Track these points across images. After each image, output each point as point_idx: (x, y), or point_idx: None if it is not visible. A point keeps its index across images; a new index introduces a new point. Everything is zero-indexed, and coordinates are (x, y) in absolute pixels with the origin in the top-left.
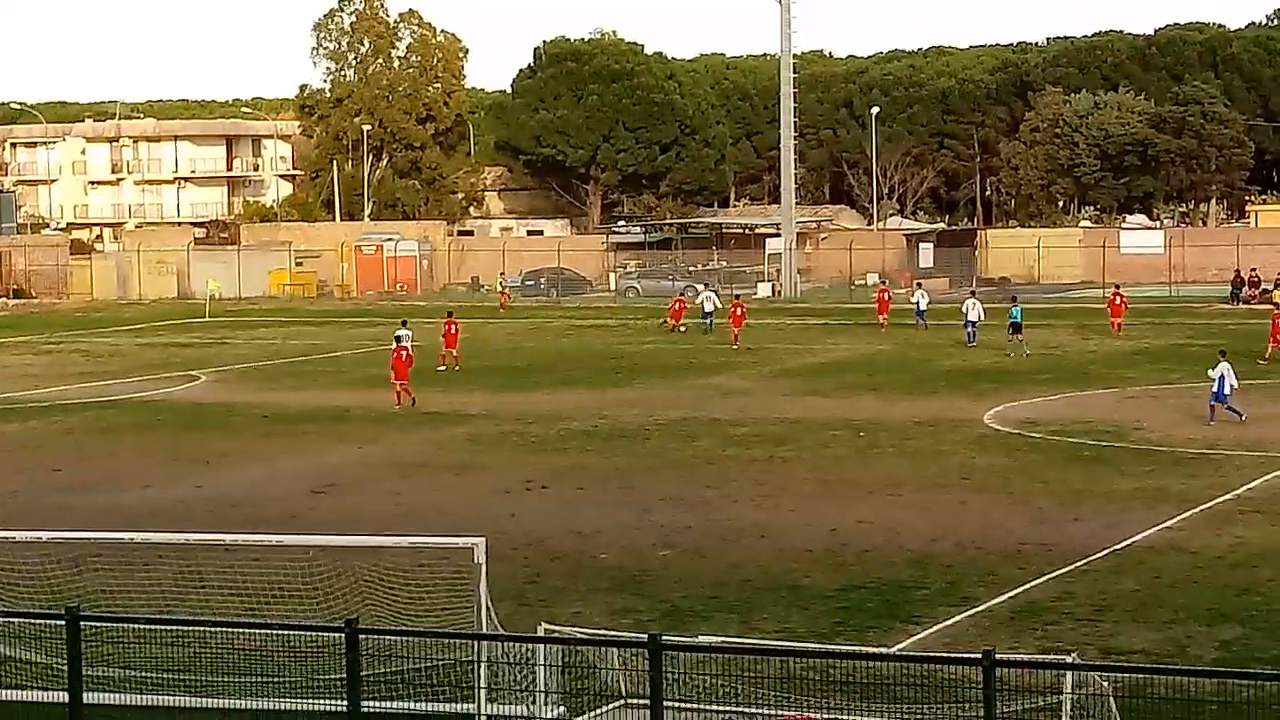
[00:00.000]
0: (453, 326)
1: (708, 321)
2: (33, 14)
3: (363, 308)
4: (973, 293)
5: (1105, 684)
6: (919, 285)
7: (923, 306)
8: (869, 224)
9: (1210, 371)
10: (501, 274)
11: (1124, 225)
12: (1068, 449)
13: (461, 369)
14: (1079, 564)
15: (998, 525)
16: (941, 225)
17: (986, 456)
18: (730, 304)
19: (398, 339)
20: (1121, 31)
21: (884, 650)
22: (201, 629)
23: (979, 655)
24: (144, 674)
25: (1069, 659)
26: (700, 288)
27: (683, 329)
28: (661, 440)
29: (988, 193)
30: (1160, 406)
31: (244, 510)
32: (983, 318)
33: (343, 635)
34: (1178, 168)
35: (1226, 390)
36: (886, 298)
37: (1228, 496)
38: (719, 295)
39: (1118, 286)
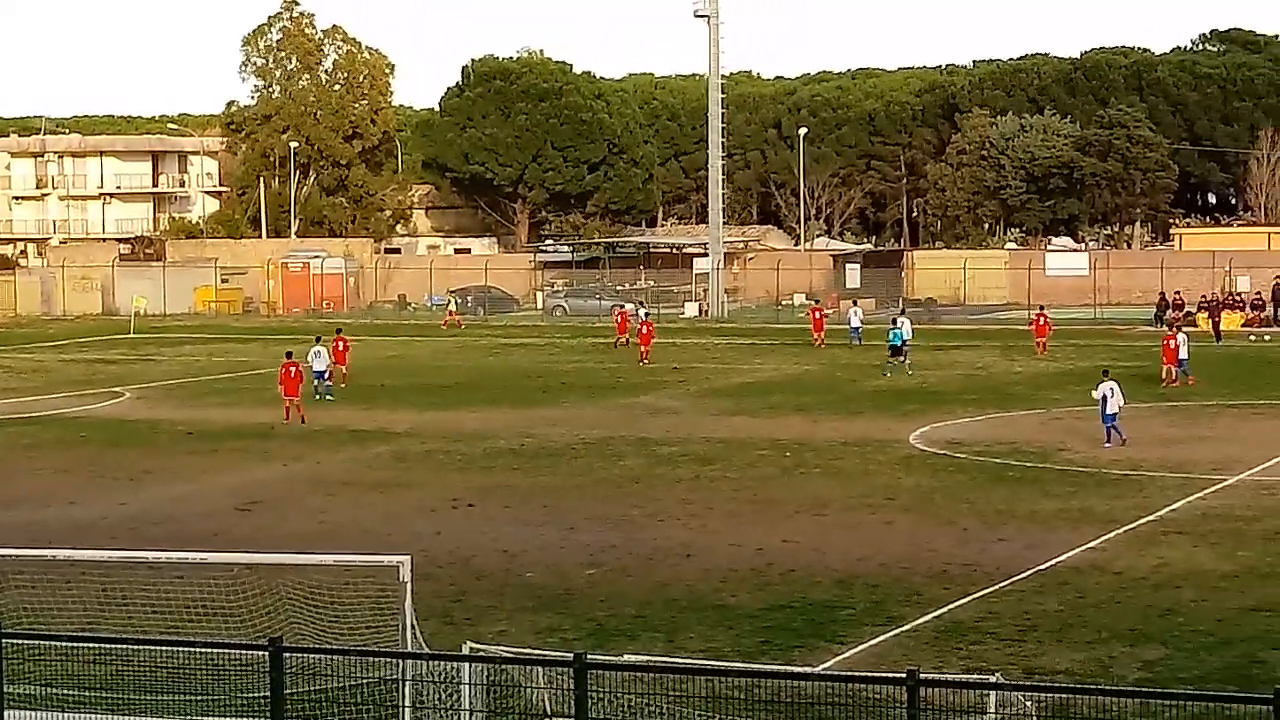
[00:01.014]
0: (340, 343)
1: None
2: None
3: (289, 325)
4: (902, 312)
5: (1029, 704)
6: (855, 304)
7: (856, 324)
8: (796, 244)
9: (1093, 392)
10: (450, 292)
11: (1049, 247)
12: (993, 469)
13: (384, 386)
14: (1003, 584)
15: (923, 545)
16: (868, 246)
17: (912, 477)
18: (641, 322)
19: (288, 355)
20: (1048, 54)
21: (809, 670)
22: (125, 647)
23: (903, 675)
24: (66, 691)
25: (993, 679)
26: (629, 306)
27: (624, 342)
28: (588, 459)
29: (914, 214)
30: (1085, 428)
31: (168, 527)
32: (910, 336)
33: (266, 653)
34: (1103, 190)
35: (1111, 410)
36: (819, 316)
37: (1151, 517)
38: (646, 310)
39: (1042, 308)
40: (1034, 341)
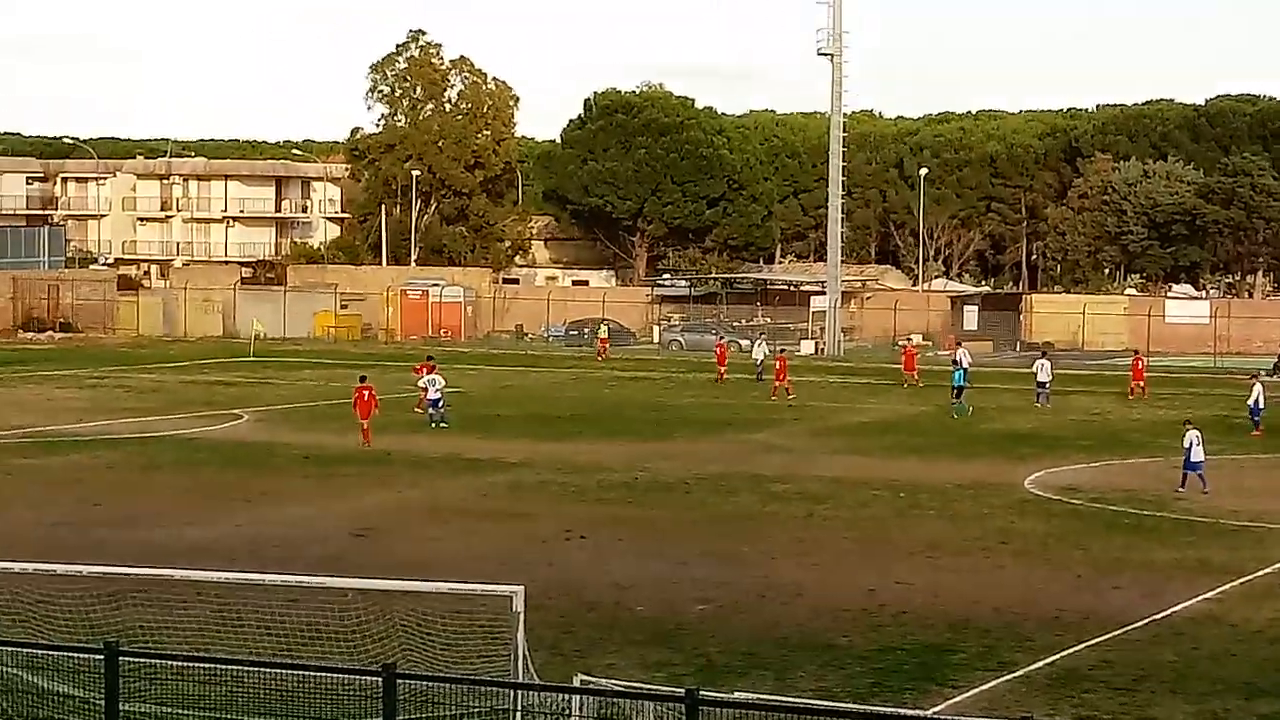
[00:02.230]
0: (365, 393)
1: (758, 370)
2: (86, 50)
3: (406, 352)
4: (1044, 354)
5: None
6: (959, 345)
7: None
8: (914, 285)
9: (1183, 442)
10: (603, 321)
11: (1169, 294)
12: (1108, 517)
13: (500, 416)
14: (1117, 633)
15: (1036, 591)
16: (986, 288)
17: (1026, 521)
18: (775, 357)
19: (361, 379)
20: (1172, 100)
21: (922, 713)
22: (238, 668)
23: None
24: (180, 711)
25: None
26: (753, 341)
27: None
28: (701, 494)
29: (1033, 257)
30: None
31: (283, 550)
32: (1052, 379)
33: (380, 679)
34: (1225, 238)
35: (1196, 458)
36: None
37: (1269, 570)
38: (770, 345)
39: (1137, 352)
40: (1130, 385)
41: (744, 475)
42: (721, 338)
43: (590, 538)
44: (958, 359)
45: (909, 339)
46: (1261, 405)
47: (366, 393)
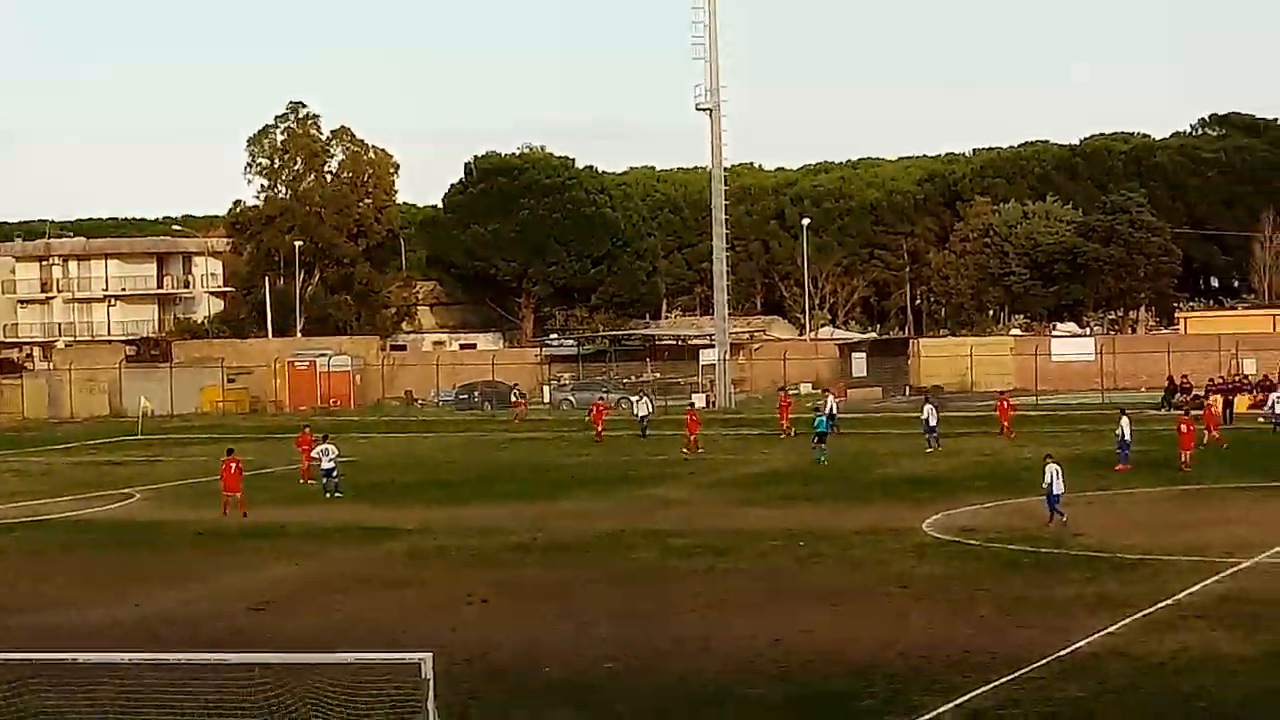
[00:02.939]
0: (232, 466)
1: (642, 426)
2: None
3: (296, 423)
4: (927, 398)
5: None
6: (826, 393)
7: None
8: (801, 334)
9: (1044, 482)
10: (515, 385)
11: (1054, 333)
12: (1007, 556)
13: (394, 482)
14: (1023, 671)
15: (941, 633)
16: (873, 335)
17: (926, 565)
18: (685, 412)
19: (229, 451)
20: (1048, 142)
21: None
22: None
23: None
24: None
25: None
26: (634, 398)
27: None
28: (601, 553)
29: (918, 302)
30: (1097, 512)
31: (182, 629)
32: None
33: None
34: (1106, 275)
35: (1057, 491)
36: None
37: (1168, 602)
38: (652, 400)
39: (1002, 393)
40: (1000, 425)
41: (643, 531)
42: (600, 397)
43: (491, 601)
44: (820, 406)
45: (783, 388)
46: (1128, 439)
47: (234, 465)
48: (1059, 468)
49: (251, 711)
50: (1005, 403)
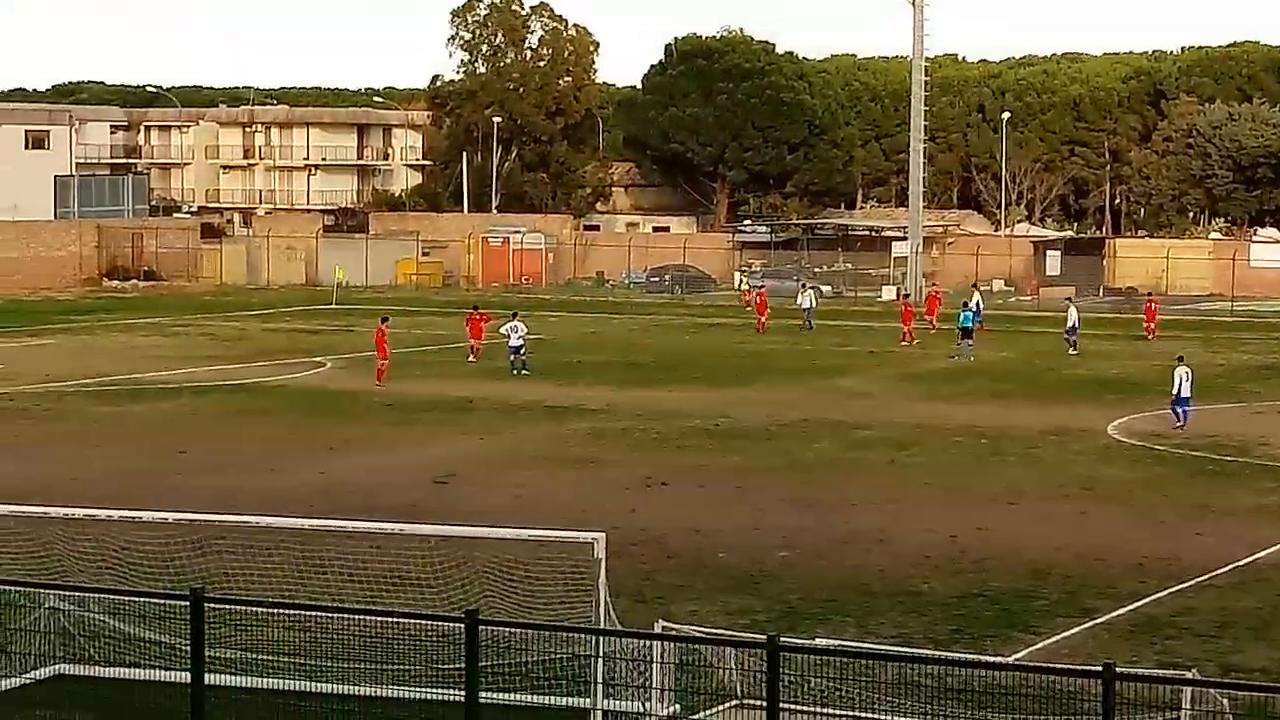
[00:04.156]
0: (480, 319)
1: (807, 318)
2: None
3: (488, 299)
4: (1069, 301)
5: (1224, 701)
6: (804, 285)
7: (806, 305)
8: (996, 230)
9: (1173, 387)
10: (743, 268)
11: (1254, 238)
12: (1192, 463)
13: (581, 363)
14: (1201, 579)
15: (1120, 538)
16: (1070, 233)
17: (1110, 468)
18: (901, 303)
19: (384, 319)
20: (1258, 42)
21: (1003, 659)
22: (321, 614)
23: (1099, 668)
24: (265, 657)
25: (1189, 675)
26: (798, 284)
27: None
28: (782, 441)
29: (1117, 202)
30: None
31: (365, 498)
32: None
33: (462, 625)
34: None
35: (1186, 394)
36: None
37: None
38: (818, 292)
39: (1150, 293)
40: (1144, 327)
41: (826, 422)
42: (761, 286)
43: (672, 485)
44: (967, 300)
45: (906, 295)
46: None
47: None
48: (1189, 371)
49: (428, 582)
50: (1152, 304)
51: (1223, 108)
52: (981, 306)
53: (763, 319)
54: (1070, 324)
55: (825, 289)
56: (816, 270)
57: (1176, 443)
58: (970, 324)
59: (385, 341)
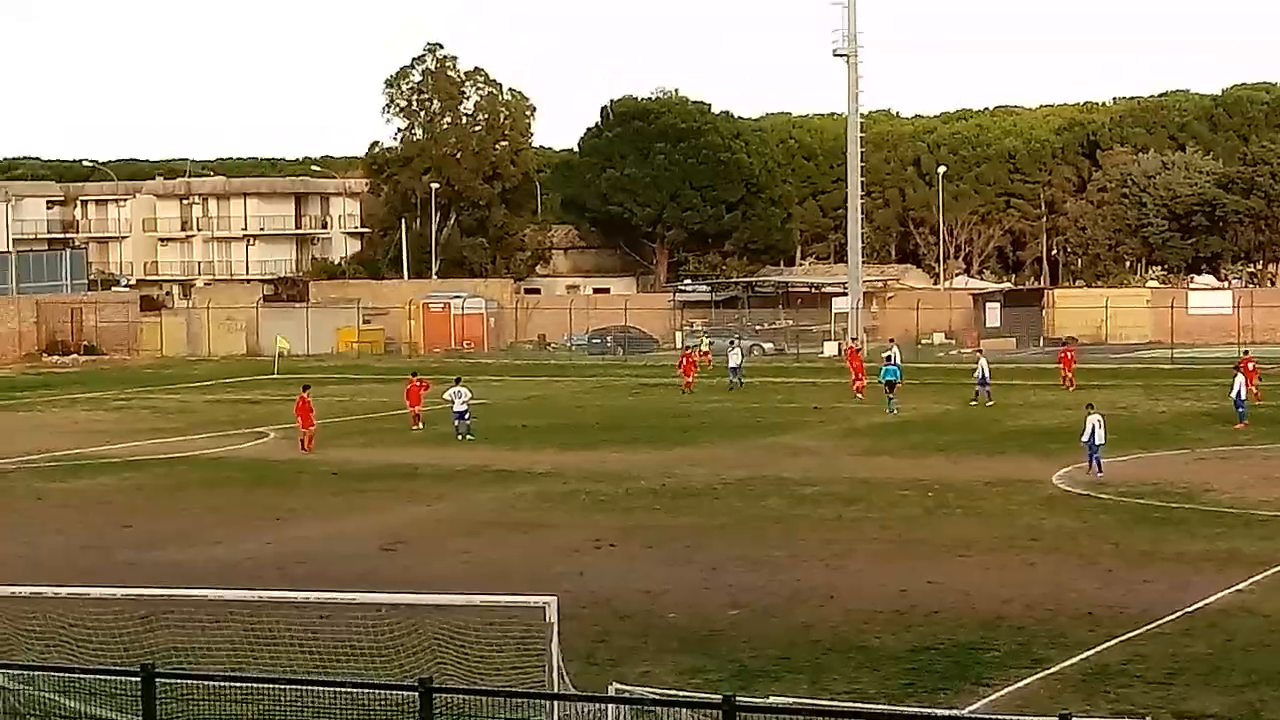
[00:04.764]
0: (419, 386)
1: (734, 377)
2: (103, 73)
3: (430, 365)
4: (978, 351)
5: None
6: (732, 344)
7: (734, 363)
8: (935, 283)
9: (1083, 435)
10: (696, 332)
11: (1192, 286)
12: (1137, 510)
13: (525, 426)
14: (1149, 627)
15: (1068, 587)
16: (1008, 285)
17: (1055, 517)
18: (847, 349)
19: (305, 388)
20: (1188, 91)
21: (956, 713)
22: (275, 686)
23: (1056, 719)
24: None
25: None
26: (727, 343)
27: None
28: (729, 499)
29: (1054, 252)
30: (1230, 468)
31: (313, 567)
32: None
33: (417, 694)
34: (1246, 228)
35: (1099, 440)
36: (690, 362)
37: None
38: (745, 350)
39: (1066, 342)
40: (1061, 377)
41: (771, 479)
42: (690, 347)
43: (620, 546)
44: (889, 355)
45: (852, 339)
46: (1244, 396)
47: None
48: (1100, 418)
49: (379, 651)
50: (1069, 353)
51: (1156, 157)
52: (899, 360)
53: (690, 379)
54: (980, 375)
55: (768, 346)
56: (758, 328)
57: (1121, 490)
58: (895, 377)
59: (309, 409)
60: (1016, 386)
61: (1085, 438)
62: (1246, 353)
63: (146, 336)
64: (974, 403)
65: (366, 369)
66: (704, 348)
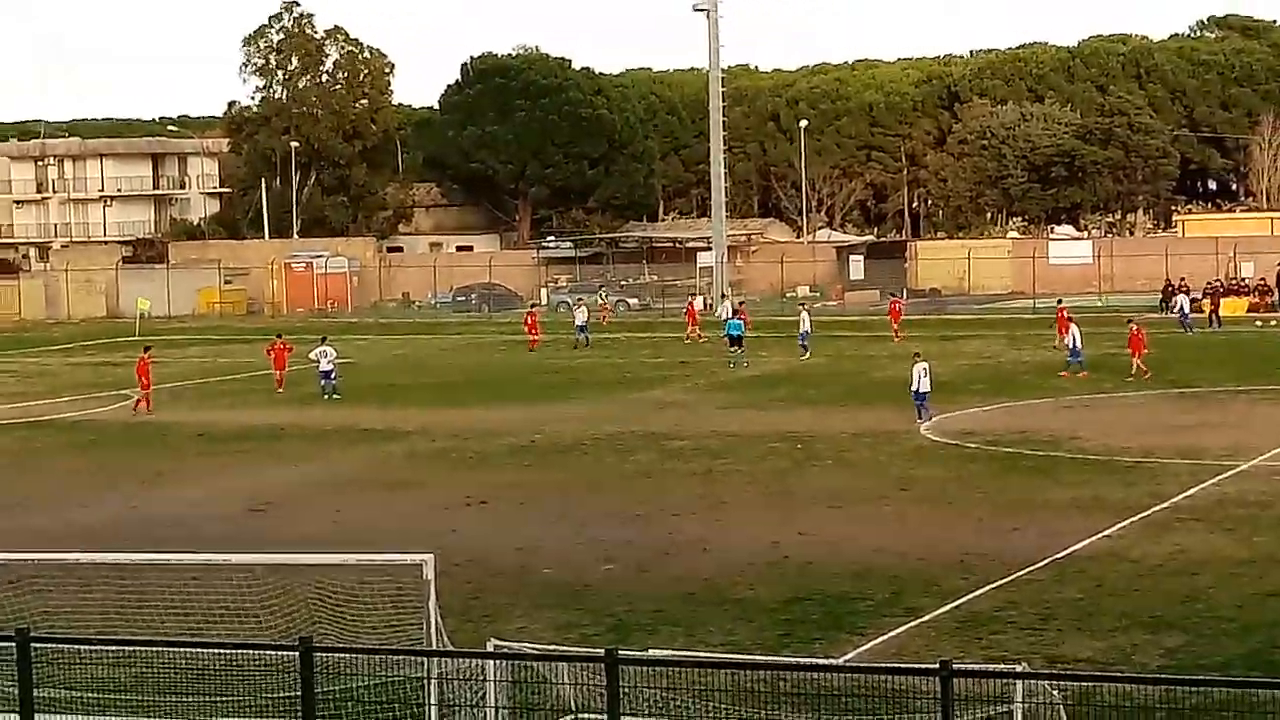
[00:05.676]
0: (281, 349)
1: (581, 335)
2: None
3: (294, 325)
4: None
5: (1055, 693)
6: (724, 297)
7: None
8: (798, 237)
9: (911, 383)
10: (601, 287)
11: (1052, 236)
12: (1005, 459)
13: (393, 385)
14: (1021, 573)
15: (939, 536)
16: (871, 238)
17: (925, 468)
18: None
19: (146, 349)
20: (1046, 43)
21: (836, 661)
22: (151, 649)
23: (936, 665)
24: (93, 695)
25: (1020, 668)
26: (572, 299)
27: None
28: (599, 455)
29: (915, 205)
30: (1095, 415)
31: (182, 530)
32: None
33: (296, 653)
34: (1105, 178)
35: (924, 389)
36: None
37: (1165, 505)
38: (591, 308)
39: (894, 295)
40: (891, 329)
41: (641, 434)
42: (533, 306)
43: (491, 503)
44: (724, 312)
45: (693, 294)
46: (1079, 346)
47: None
48: (926, 366)
49: (252, 612)
50: (896, 305)
51: (1015, 109)
52: (728, 315)
53: (534, 338)
54: (802, 329)
55: (633, 301)
56: (622, 284)
57: (989, 440)
58: (738, 331)
59: (148, 371)
60: (881, 338)
61: (913, 387)
62: (1060, 302)
63: (4, 300)
64: (804, 358)
65: (229, 329)
66: (601, 299)
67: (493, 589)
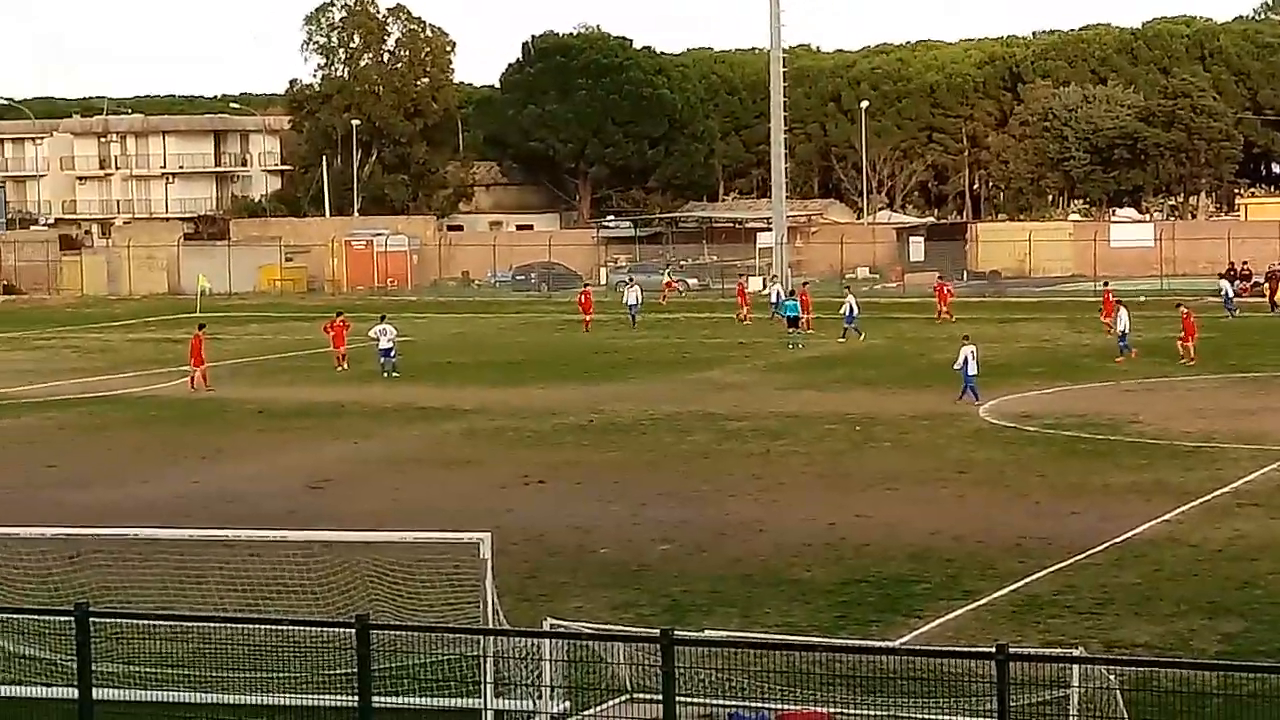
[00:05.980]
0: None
1: (631, 315)
2: (20, 10)
3: (354, 303)
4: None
5: (1112, 678)
6: (773, 278)
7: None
8: (858, 218)
9: (955, 364)
10: (667, 266)
11: (1113, 219)
12: (1064, 442)
13: (451, 363)
14: (1079, 557)
15: (996, 519)
16: (931, 219)
17: (983, 450)
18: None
19: (200, 326)
20: (1109, 24)
21: (894, 644)
22: (209, 625)
23: (992, 649)
24: (150, 670)
25: (1077, 652)
26: (627, 280)
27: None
28: (657, 434)
29: (976, 186)
30: (1155, 399)
31: (241, 506)
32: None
33: (352, 631)
34: (1167, 161)
35: (972, 371)
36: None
37: (1225, 489)
38: (643, 287)
39: (941, 276)
40: (936, 310)
41: (699, 414)
42: (585, 286)
43: (549, 482)
44: (777, 292)
45: (742, 275)
46: (1125, 329)
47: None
48: (974, 349)
49: (310, 589)
50: (945, 288)
51: (1077, 90)
52: (781, 298)
53: (588, 318)
54: (847, 311)
55: (692, 281)
56: (682, 264)
57: (1048, 423)
58: (795, 313)
59: (201, 349)
60: (940, 321)
61: (958, 365)
62: (1106, 284)
63: (67, 276)
64: (842, 340)
65: (290, 306)
66: (668, 278)
67: (549, 568)
